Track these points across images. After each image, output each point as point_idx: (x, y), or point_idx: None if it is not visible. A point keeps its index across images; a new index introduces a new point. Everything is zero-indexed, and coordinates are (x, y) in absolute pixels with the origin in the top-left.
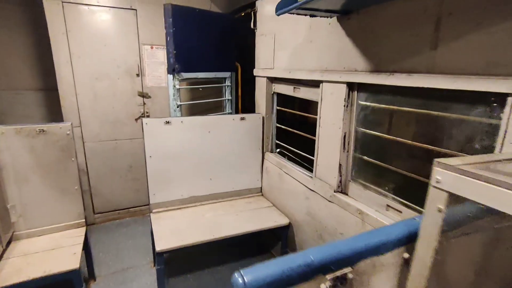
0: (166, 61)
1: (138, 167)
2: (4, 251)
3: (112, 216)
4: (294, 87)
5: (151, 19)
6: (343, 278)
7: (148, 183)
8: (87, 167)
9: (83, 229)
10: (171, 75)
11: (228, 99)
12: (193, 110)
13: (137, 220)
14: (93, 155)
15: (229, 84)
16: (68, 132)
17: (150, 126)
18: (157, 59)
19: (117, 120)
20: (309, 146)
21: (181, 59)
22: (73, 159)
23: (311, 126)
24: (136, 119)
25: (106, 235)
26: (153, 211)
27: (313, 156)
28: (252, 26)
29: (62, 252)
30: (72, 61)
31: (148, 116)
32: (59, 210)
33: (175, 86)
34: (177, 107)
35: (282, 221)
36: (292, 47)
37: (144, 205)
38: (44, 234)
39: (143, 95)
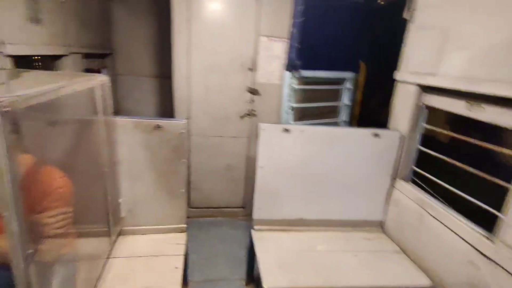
0: (282, 55)
1: (237, 168)
2: (114, 242)
3: (206, 213)
4: (471, 104)
5: (275, 8)
6: None
7: (255, 196)
8: (189, 160)
9: (184, 236)
10: (289, 73)
11: (345, 105)
12: (303, 114)
13: (229, 222)
14: (197, 150)
15: (350, 86)
16: (182, 131)
17: (267, 132)
18: (272, 52)
19: (224, 116)
20: (477, 186)
21: (304, 55)
22: (183, 160)
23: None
24: (242, 117)
25: (199, 232)
26: (256, 227)
27: (496, 209)
28: (404, 15)
29: (163, 262)
30: (190, 51)
31: (254, 115)
32: (163, 211)
33: (292, 85)
34: (291, 109)
35: (421, 281)
36: (481, 48)
37: (238, 207)
38: (147, 234)
39: (252, 91)
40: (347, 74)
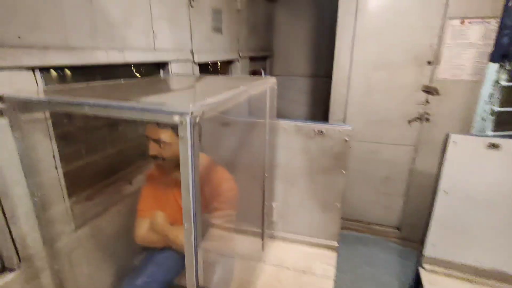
0: (480, 42)
1: (395, 181)
2: (263, 245)
3: (353, 226)
4: None
5: None
6: None
7: (430, 227)
8: None
9: (334, 256)
10: (496, 64)
11: None
12: (507, 121)
13: (379, 241)
14: (351, 155)
15: None
16: (346, 138)
17: (460, 147)
18: (465, 39)
19: (385, 119)
20: None
21: None
22: (344, 171)
23: None
24: (410, 121)
25: (344, 246)
26: (426, 266)
27: None
28: None
29: (311, 282)
30: (354, 46)
31: (427, 120)
32: (315, 223)
33: (498, 81)
34: (491, 114)
35: None
36: None
37: (391, 227)
38: (297, 243)
39: (429, 90)
40: None
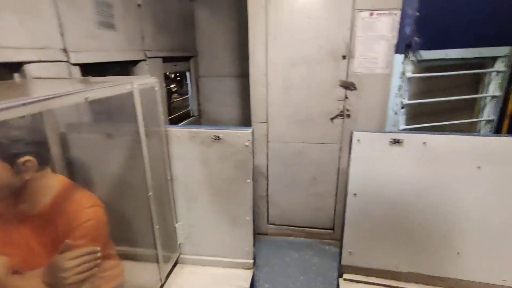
0: (390, 34)
1: (324, 181)
2: (170, 272)
3: (285, 231)
4: None
5: None
6: None
7: (344, 235)
8: (267, 170)
9: (249, 274)
10: (401, 55)
11: (492, 97)
12: (420, 113)
13: (314, 245)
14: (276, 158)
15: (502, 69)
16: (247, 143)
17: (365, 144)
18: (375, 31)
19: (308, 118)
20: None
21: (425, 28)
22: (248, 180)
23: None
24: (332, 118)
25: (275, 255)
26: (345, 276)
27: None
28: None
29: None
30: (268, 42)
31: (348, 116)
32: (226, 241)
33: (404, 73)
34: (401, 107)
35: None
36: None
37: (325, 229)
38: (207, 265)
39: (346, 85)
40: (498, 50)
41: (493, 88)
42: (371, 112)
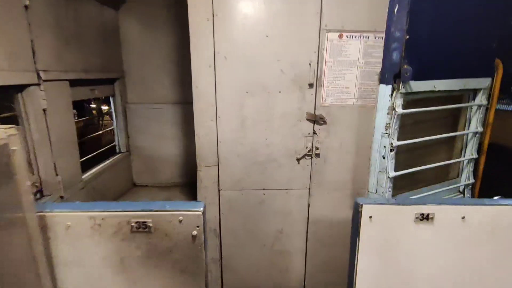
0: (363, 59)
1: (291, 235)
2: None
3: None
4: None
5: None
6: None
7: None
8: (220, 226)
9: None
10: (388, 86)
11: (474, 133)
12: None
13: None
14: (231, 210)
15: (482, 102)
16: (194, 233)
17: (378, 222)
18: (345, 56)
19: (269, 159)
20: None
21: (417, 55)
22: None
23: None
24: (299, 159)
25: None
26: None
27: None
28: None
29: None
30: (216, 63)
31: (318, 155)
32: None
33: (394, 107)
34: (390, 150)
35: None
36: None
37: None
38: None
39: (314, 119)
40: (481, 82)
41: (475, 123)
42: (345, 151)
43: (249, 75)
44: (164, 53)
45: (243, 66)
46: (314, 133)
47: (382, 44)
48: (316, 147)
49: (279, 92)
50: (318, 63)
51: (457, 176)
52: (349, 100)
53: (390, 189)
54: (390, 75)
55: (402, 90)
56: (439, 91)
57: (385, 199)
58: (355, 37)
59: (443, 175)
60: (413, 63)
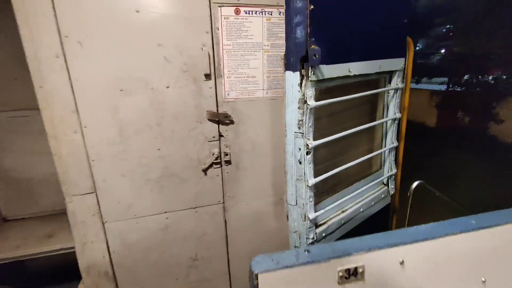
0: (268, 41)
1: (209, 260)
2: None
3: None
4: None
5: None
6: None
7: None
8: (113, 268)
9: None
10: (296, 73)
11: (393, 120)
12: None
13: None
14: (124, 245)
15: (398, 85)
16: None
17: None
18: (247, 38)
19: (167, 174)
20: None
21: (326, 32)
22: None
23: None
24: (206, 170)
25: None
26: None
27: None
28: None
29: None
30: (67, 52)
31: (228, 162)
32: None
33: (305, 99)
34: (307, 152)
35: None
36: None
37: None
38: None
39: (218, 118)
40: (394, 63)
41: (393, 109)
42: (260, 153)
43: (122, 67)
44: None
45: (110, 54)
46: (220, 135)
47: None
48: (224, 152)
49: (167, 87)
50: (213, 47)
51: (380, 168)
52: (257, 92)
53: (311, 199)
54: (297, 58)
55: (313, 77)
56: (354, 75)
57: (293, 255)
58: (255, 12)
59: (366, 169)
60: (322, 42)
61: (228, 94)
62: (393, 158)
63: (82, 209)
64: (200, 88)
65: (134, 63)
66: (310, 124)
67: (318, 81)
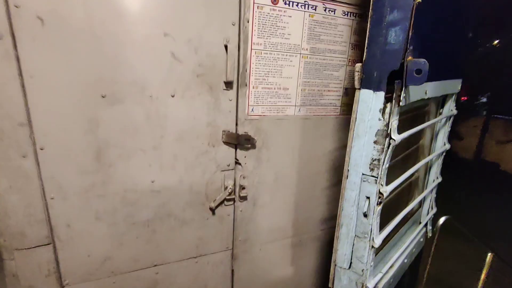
0: (307, 44)
1: None
2: None
3: None
4: None
5: None
6: None
7: None
8: None
9: None
10: (380, 94)
11: (440, 153)
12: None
13: None
14: None
15: (452, 111)
16: None
17: None
18: (282, 37)
19: (162, 215)
20: None
21: (428, 43)
22: None
23: None
24: (214, 209)
25: None
26: None
27: None
28: None
29: None
30: (17, 32)
31: (244, 198)
32: None
33: (389, 131)
34: (378, 202)
35: None
36: None
37: None
38: None
39: (238, 141)
40: (453, 85)
41: (441, 139)
42: (283, 185)
43: (106, 62)
44: None
45: (88, 41)
46: (237, 163)
47: (333, 22)
48: (241, 185)
49: (172, 96)
50: (239, 46)
51: (419, 207)
52: (288, 109)
53: (372, 263)
54: (384, 72)
55: (403, 101)
56: (424, 99)
57: None
58: (297, 4)
59: (403, 207)
60: (422, 53)
61: (252, 109)
62: (435, 195)
63: (30, 268)
64: (218, 100)
65: (126, 58)
66: (386, 165)
67: (402, 107)
